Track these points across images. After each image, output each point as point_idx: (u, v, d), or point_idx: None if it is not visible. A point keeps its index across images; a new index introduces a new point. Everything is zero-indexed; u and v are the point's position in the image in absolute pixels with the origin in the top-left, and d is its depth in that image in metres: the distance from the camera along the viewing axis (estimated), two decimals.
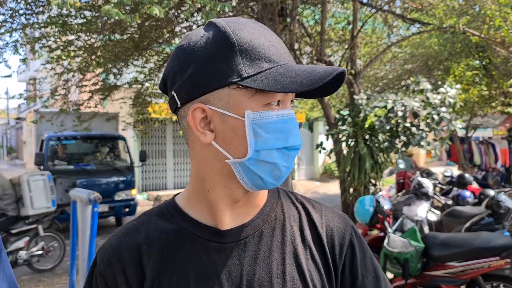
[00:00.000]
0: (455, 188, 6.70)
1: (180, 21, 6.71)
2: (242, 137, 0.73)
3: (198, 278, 0.77)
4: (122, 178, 8.54)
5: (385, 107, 6.19)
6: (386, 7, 8.26)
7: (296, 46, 7.94)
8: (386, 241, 3.90)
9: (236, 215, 0.80)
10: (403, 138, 6.19)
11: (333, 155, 7.52)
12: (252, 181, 0.76)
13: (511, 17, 6.72)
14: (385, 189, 6.20)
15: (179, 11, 6.24)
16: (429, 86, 6.26)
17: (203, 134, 0.76)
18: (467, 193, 6.06)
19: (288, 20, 6.70)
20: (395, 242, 3.85)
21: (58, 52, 7.03)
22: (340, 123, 6.53)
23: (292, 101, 0.79)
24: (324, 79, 0.71)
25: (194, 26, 6.99)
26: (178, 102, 0.76)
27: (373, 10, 8.41)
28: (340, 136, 6.58)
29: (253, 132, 0.73)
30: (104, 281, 0.79)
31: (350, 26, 8.12)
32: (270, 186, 0.77)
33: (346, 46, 8.28)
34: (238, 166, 0.75)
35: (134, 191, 8.69)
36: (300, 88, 0.71)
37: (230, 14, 6.95)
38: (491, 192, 5.01)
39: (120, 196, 8.37)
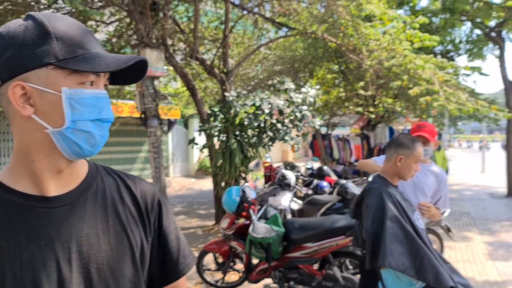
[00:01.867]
0: (315, 180, 7.36)
1: (42, 7, 6.24)
2: (59, 110, 0.86)
3: (29, 239, 0.86)
4: None
5: (254, 104, 6.56)
6: (256, 10, 8.69)
7: (170, 42, 7.94)
8: (251, 228, 4.17)
9: (62, 185, 0.92)
10: (270, 133, 6.62)
11: (206, 151, 7.70)
12: (71, 148, 0.89)
13: (361, 27, 7.60)
14: (252, 180, 6.56)
15: None
16: (292, 86, 6.80)
17: (23, 108, 0.86)
18: (325, 184, 6.73)
19: (161, 15, 6.67)
20: (259, 228, 4.15)
21: None
22: (212, 119, 6.72)
23: (106, 85, 0.95)
24: (127, 63, 0.88)
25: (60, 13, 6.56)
26: None
27: (244, 12, 8.78)
28: (212, 131, 6.78)
29: (69, 105, 0.86)
30: None
31: (223, 26, 8.38)
32: (87, 152, 0.91)
33: (218, 45, 8.53)
34: (57, 135, 0.87)
35: None
36: (107, 69, 0.87)
37: (99, 4, 6.69)
38: (342, 181, 5.65)
39: None
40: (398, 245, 2.41)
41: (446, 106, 6.51)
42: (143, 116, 6.30)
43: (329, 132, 12.41)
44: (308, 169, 8.13)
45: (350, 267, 4.38)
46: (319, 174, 7.43)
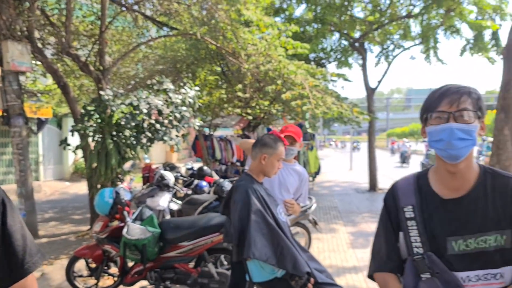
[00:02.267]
0: (195, 180, 7.44)
1: None
2: None
3: None
4: None
5: (131, 104, 6.40)
6: (136, 7, 8.47)
7: (38, 35, 7.35)
8: (125, 230, 4.08)
9: None
10: (148, 134, 6.52)
11: (81, 152, 7.28)
12: None
13: (240, 32, 7.87)
14: (127, 181, 6.40)
15: None
16: (171, 87, 6.77)
17: None
18: (204, 183, 6.85)
19: (27, 4, 6.15)
20: (134, 230, 4.08)
21: None
22: (86, 118, 6.39)
23: None
24: None
25: None
26: None
27: (123, 9, 8.49)
28: (87, 131, 6.44)
29: None
30: None
31: (100, 21, 8.01)
32: None
33: (95, 41, 8.13)
34: None
35: None
36: None
37: None
38: (220, 181, 5.81)
39: None
40: (262, 237, 2.59)
41: (314, 110, 7.08)
42: (5, 114, 5.77)
43: (211, 132, 12.57)
44: (188, 169, 8.18)
45: (225, 262, 4.54)
46: (200, 174, 7.53)
